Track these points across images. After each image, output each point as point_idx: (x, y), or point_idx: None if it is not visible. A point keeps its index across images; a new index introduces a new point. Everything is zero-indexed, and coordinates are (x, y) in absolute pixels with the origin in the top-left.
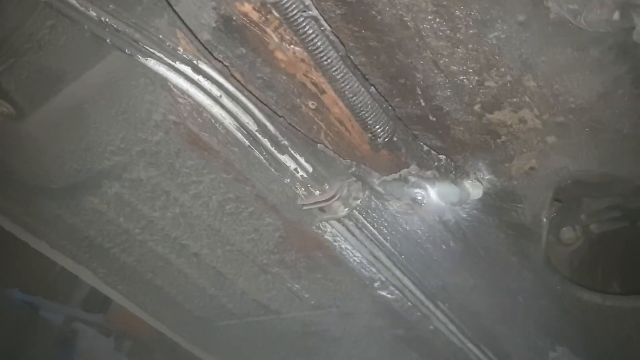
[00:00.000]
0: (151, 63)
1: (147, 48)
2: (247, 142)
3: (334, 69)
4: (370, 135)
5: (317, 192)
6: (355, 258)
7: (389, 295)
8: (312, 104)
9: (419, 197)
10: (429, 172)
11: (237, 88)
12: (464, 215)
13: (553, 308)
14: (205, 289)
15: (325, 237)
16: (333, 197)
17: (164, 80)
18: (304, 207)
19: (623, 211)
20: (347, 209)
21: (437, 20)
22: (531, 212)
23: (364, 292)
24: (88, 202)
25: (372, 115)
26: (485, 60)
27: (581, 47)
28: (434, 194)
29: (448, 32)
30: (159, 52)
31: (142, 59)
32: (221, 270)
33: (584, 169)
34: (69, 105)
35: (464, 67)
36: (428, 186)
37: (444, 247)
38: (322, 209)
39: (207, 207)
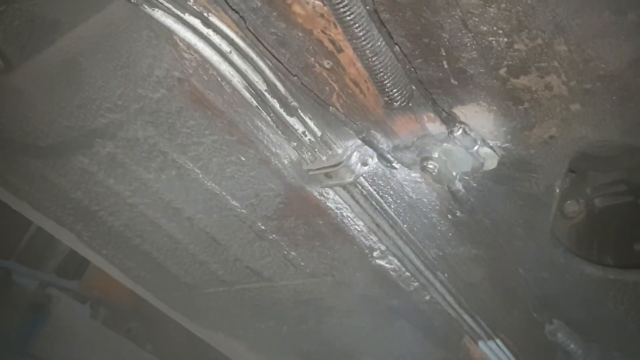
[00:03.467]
0: (158, 14)
1: None
2: (254, 103)
3: (357, 25)
4: (386, 98)
5: (324, 158)
6: (356, 226)
7: (387, 265)
8: (328, 63)
9: (430, 167)
10: (443, 140)
11: (248, 44)
12: (475, 185)
13: (553, 281)
14: (195, 254)
15: (328, 204)
16: (340, 162)
17: (169, 34)
18: (310, 173)
19: (628, 185)
20: (354, 175)
21: None
22: (545, 182)
23: (361, 261)
24: (77, 162)
25: (391, 77)
26: (517, 21)
27: (620, 10)
28: (447, 163)
29: None
30: (167, 2)
31: (148, 9)
32: (215, 236)
33: (605, 139)
34: (62, 58)
35: (494, 28)
36: (441, 155)
37: (449, 216)
38: (328, 175)
39: (206, 170)
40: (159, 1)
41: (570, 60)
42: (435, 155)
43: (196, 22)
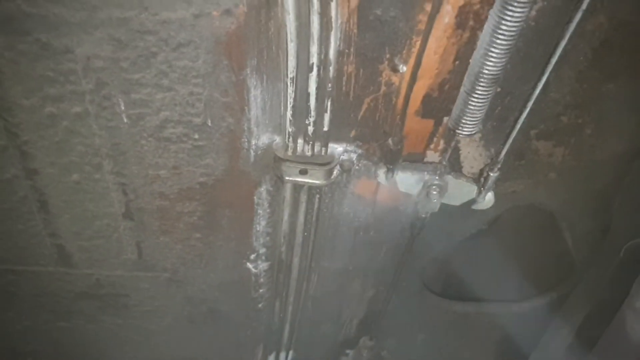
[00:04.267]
0: None
1: None
2: (292, 72)
3: None
4: (457, 127)
5: (309, 153)
6: (257, 225)
7: (253, 269)
8: (402, 67)
9: (434, 193)
10: (450, 172)
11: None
12: (422, 215)
13: (399, 305)
14: None
15: (255, 197)
16: (328, 163)
17: None
18: (285, 162)
19: None
20: (329, 179)
21: None
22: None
23: (234, 261)
24: None
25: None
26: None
27: None
28: (446, 193)
29: None
30: None
31: None
32: (47, 198)
33: (541, 203)
34: None
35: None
36: (448, 184)
37: (361, 233)
38: (303, 171)
39: (139, 123)
40: None
41: (583, 142)
42: (443, 183)
43: None
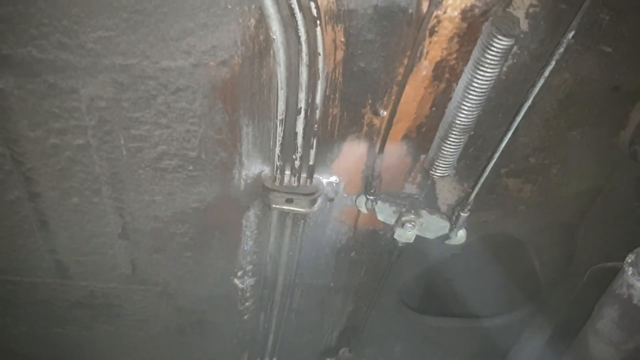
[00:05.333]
0: None
1: None
2: (281, 115)
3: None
4: (430, 168)
5: (295, 184)
6: (245, 245)
7: (239, 284)
8: (383, 112)
9: (409, 225)
10: (427, 206)
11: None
12: (400, 244)
13: (377, 317)
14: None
15: (243, 220)
16: (313, 193)
17: (251, 14)
18: (272, 192)
19: None
20: (313, 207)
21: None
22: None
23: (221, 278)
24: None
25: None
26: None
27: None
28: (421, 226)
29: None
30: None
31: None
32: (47, 218)
33: (509, 235)
34: None
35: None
36: (424, 218)
37: (342, 254)
38: (289, 200)
39: (137, 155)
40: None
41: (550, 180)
42: (419, 217)
43: (299, 22)
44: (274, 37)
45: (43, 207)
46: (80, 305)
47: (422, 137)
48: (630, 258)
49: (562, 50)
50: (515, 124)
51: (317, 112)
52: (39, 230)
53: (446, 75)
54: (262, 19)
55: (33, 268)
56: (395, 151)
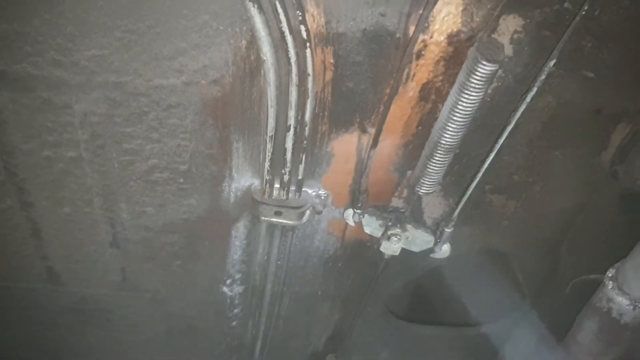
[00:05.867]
0: (257, 17)
1: None
2: (270, 131)
3: None
4: (416, 185)
5: (284, 197)
6: (234, 255)
7: (228, 292)
8: (371, 130)
9: (395, 239)
10: (413, 220)
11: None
12: (386, 257)
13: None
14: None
15: (232, 231)
16: (301, 206)
17: (242, 36)
18: (262, 204)
19: None
20: (301, 220)
21: None
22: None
23: (209, 286)
24: None
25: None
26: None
27: None
28: (407, 239)
29: None
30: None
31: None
32: (40, 227)
33: (493, 248)
34: None
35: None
36: (409, 232)
37: (330, 264)
38: (278, 212)
39: (129, 167)
40: (275, 10)
41: (533, 197)
42: (404, 231)
43: (289, 44)
44: (265, 58)
45: (35, 216)
46: (71, 311)
47: (409, 154)
48: (610, 272)
49: (543, 77)
50: (497, 146)
51: (306, 129)
52: (30, 238)
53: (432, 96)
54: (253, 41)
55: (25, 274)
56: (383, 167)
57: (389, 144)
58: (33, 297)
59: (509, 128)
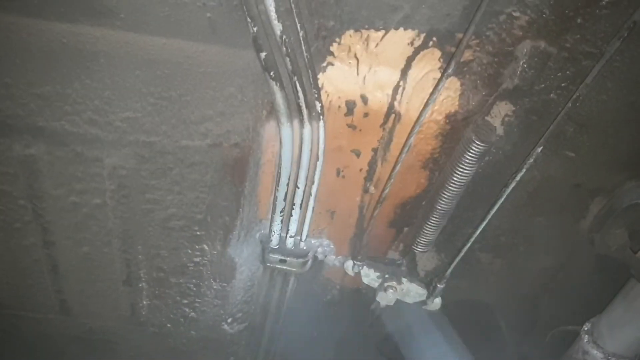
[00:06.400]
0: (279, 94)
1: None
2: (282, 203)
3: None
4: (412, 244)
5: (290, 246)
6: (237, 296)
7: (229, 330)
8: (372, 189)
9: (390, 291)
10: (409, 274)
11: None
12: (381, 306)
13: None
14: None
15: (236, 274)
16: (305, 255)
17: (263, 107)
18: (267, 252)
19: None
20: (304, 267)
21: None
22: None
23: (209, 322)
24: None
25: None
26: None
27: None
28: (402, 292)
29: None
30: (300, 90)
31: (272, 82)
32: (58, 263)
33: (481, 297)
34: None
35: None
36: (404, 285)
37: (328, 307)
38: (283, 260)
39: (149, 214)
40: (294, 87)
41: (518, 256)
42: (400, 284)
43: (305, 116)
44: (282, 126)
45: (56, 253)
46: (79, 340)
47: (407, 213)
48: (587, 326)
49: (532, 160)
50: (489, 216)
51: (314, 187)
52: (48, 272)
53: (430, 166)
54: (272, 112)
55: (38, 305)
56: (382, 224)
57: (389, 204)
58: (43, 327)
59: (498, 203)
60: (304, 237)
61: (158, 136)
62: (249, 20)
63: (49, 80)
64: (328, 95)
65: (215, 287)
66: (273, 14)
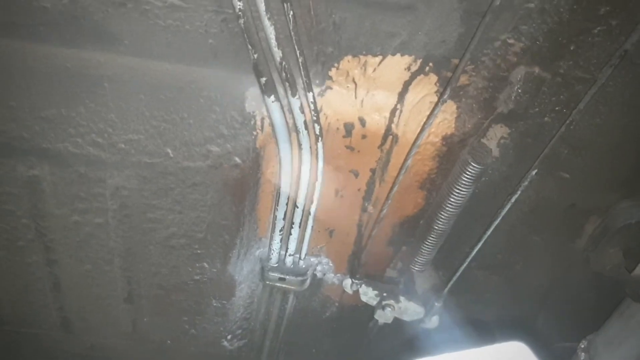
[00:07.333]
0: (276, 113)
1: None
2: (282, 223)
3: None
4: (410, 263)
5: (289, 265)
6: (237, 313)
7: (229, 346)
8: (371, 208)
9: (389, 309)
10: (407, 292)
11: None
12: (379, 324)
13: None
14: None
15: (236, 291)
16: (304, 274)
17: (261, 128)
18: (266, 270)
19: None
20: (303, 285)
21: None
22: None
23: (209, 338)
24: None
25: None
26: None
27: None
28: (400, 310)
29: None
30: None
31: (270, 102)
32: (60, 281)
33: (478, 313)
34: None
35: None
36: (402, 303)
37: (327, 324)
38: (282, 279)
39: (150, 233)
40: (293, 110)
41: (514, 274)
42: (398, 302)
43: (303, 139)
44: (282, 148)
45: (58, 271)
46: (80, 357)
47: (405, 232)
48: (583, 344)
49: (526, 183)
50: (485, 236)
51: (313, 206)
52: (50, 290)
53: (427, 186)
54: (272, 133)
55: (40, 322)
56: (380, 242)
57: (387, 223)
58: (44, 343)
59: (494, 224)
60: (303, 256)
61: (160, 157)
62: (249, 47)
63: (53, 103)
64: (327, 117)
65: (215, 304)
66: (273, 41)
